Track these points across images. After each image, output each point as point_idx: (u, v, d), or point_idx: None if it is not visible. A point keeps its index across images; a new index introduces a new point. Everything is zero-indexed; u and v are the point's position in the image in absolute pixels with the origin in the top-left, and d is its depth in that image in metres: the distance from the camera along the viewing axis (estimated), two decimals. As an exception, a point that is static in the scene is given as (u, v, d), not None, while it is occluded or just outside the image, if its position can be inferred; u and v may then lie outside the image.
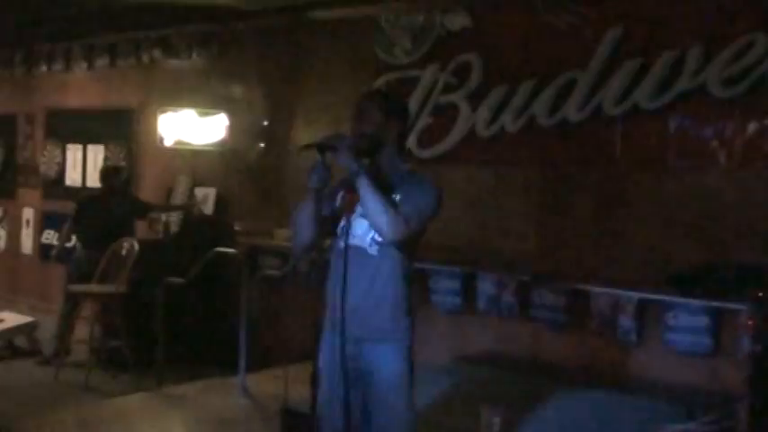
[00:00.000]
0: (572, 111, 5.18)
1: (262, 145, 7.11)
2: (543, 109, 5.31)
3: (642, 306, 4.72)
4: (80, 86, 8.80)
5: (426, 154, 5.82)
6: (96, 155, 8.59)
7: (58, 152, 9.02)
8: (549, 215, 5.40)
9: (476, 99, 5.64)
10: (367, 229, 2.86)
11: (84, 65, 8.49)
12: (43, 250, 8.98)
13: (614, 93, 5.00)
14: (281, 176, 6.85)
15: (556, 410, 4.36)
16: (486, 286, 5.31)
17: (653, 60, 4.85)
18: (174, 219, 7.50)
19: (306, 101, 6.77)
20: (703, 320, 4.46)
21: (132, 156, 8.24)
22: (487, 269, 5.33)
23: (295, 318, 6.25)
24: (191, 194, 7.44)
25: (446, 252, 5.32)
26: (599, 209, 5.16)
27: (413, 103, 5.77)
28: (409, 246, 2.89)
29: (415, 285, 3.02)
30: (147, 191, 7.93)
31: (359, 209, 2.85)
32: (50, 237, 8.96)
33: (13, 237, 9.64)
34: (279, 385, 4.58)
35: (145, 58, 7.91)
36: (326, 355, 2.92)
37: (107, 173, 7.12)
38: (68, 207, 7.31)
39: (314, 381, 2.75)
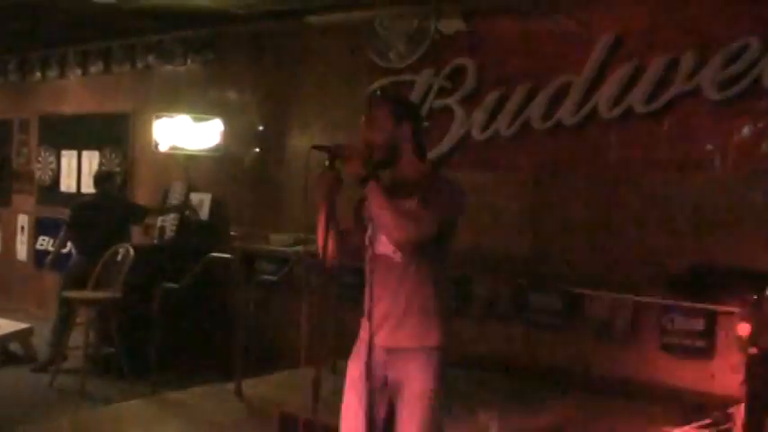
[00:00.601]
0: (566, 114, 5.20)
1: (257, 150, 7.11)
2: (538, 113, 5.32)
3: (638, 309, 4.72)
4: (75, 92, 8.80)
5: (421, 158, 5.81)
6: (91, 161, 8.58)
7: (52, 158, 9.02)
8: (544, 218, 5.41)
9: (471, 103, 5.65)
10: None
11: (79, 71, 8.51)
12: (38, 256, 8.97)
13: (608, 96, 5.01)
14: (277, 181, 6.84)
15: (552, 413, 4.35)
16: (481, 289, 5.30)
17: (647, 64, 4.87)
18: (169, 224, 7.49)
19: (300, 106, 6.77)
20: (699, 323, 4.47)
21: (127, 161, 8.23)
22: (483, 272, 5.32)
23: (291, 322, 6.23)
24: (186, 200, 7.43)
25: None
26: (594, 212, 5.16)
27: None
28: (433, 249, 2.75)
29: (451, 288, 2.90)
30: (143, 196, 7.92)
31: None
32: (45, 243, 8.95)
33: (8, 243, 9.62)
34: (275, 391, 4.57)
35: (139, 64, 7.92)
36: (357, 363, 2.83)
37: (100, 177, 7.09)
38: (63, 213, 7.29)
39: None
